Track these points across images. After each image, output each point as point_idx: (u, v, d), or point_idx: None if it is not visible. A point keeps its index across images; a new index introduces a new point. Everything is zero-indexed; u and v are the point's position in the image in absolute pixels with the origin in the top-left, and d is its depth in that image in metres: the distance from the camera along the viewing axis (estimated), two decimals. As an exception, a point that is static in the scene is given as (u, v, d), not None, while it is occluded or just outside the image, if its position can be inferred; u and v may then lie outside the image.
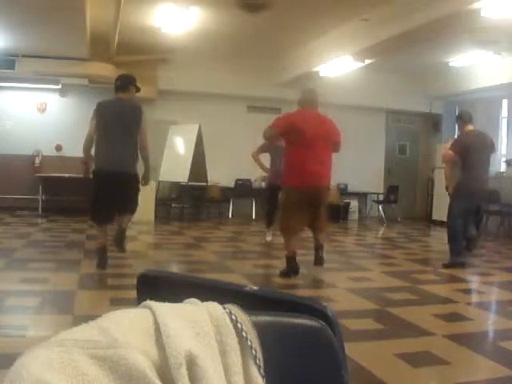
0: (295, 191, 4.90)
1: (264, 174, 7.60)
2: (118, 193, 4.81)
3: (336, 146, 5.11)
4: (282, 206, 5.29)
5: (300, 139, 4.81)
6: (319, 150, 4.84)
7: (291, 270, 4.98)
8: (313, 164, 4.79)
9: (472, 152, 5.74)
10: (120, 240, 5.18)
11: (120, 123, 4.81)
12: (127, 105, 4.95)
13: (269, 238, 7.20)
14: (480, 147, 5.83)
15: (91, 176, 5.08)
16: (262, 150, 7.05)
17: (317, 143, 4.81)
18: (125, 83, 4.98)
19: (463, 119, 6.00)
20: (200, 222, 9.82)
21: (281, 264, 5.85)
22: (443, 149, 6.09)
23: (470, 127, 5.91)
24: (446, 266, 5.79)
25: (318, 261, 5.20)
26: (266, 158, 7.26)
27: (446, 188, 6.21)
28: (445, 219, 10.62)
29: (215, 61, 9.93)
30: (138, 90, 5.11)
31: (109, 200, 4.84)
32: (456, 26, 6.46)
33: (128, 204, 5.03)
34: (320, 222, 5.19)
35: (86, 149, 4.99)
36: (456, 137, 6.17)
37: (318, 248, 5.22)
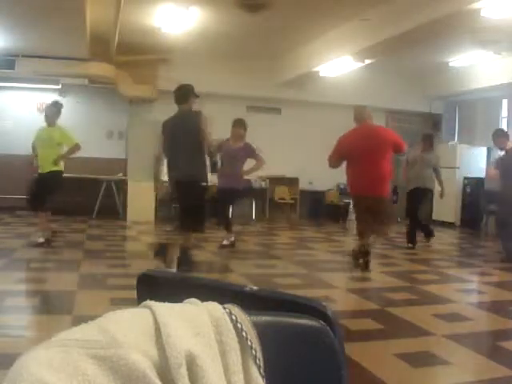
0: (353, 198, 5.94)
1: None
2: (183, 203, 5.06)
3: (396, 150, 5.52)
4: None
5: (350, 157, 5.47)
6: (368, 163, 5.31)
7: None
8: (362, 177, 5.36)
9: None
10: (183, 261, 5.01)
11: (183, 134, 4.94)
12: (188, 115, 5.07)
13: (225, 242, 6.78)
14: None
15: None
16: (218, 149, 6.70)
17: (365, 157, 5.31)
18: (185, 94, 5.08)
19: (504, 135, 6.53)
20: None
21: (281, 264, 5.86)
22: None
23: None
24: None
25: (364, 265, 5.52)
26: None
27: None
28: (445, 219, 10.68)
29: (215, 61, 9.93)
30: (197, 96, 5.20)
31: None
32: (456, 26, 6.46)
33: (190, 219, 5.00)
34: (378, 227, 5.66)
35: (156, 168, 5.26)
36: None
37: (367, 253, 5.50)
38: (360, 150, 5.32)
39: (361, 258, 5.46)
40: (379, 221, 5.49)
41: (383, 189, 5.43)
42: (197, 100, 5.20)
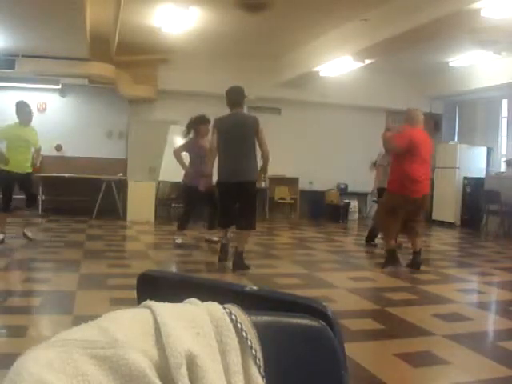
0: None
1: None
2: (238, 204, 5.26)
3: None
4: None
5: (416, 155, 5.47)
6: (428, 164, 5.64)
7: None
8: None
9: None
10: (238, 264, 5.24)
11: (241, 136, 5.09)
12: (244, 116, 5.27)
13: (179, 241, 6.74)
14: None
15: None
16: (184, 148, 6.77)
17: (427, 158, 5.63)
18: (238, 98, 5.21)
19: None
20: (200, 222, 9.80)
21: (281, 264, 5.87)
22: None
23: None
24: None
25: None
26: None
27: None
28: (445, 219, 10.67)
29: (215, 61, 9.93)
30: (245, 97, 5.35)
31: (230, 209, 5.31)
32: (456, 26, 6.46)
33: (243, 218, 5.24)
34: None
35: (212, 162, 5.36)
36: None
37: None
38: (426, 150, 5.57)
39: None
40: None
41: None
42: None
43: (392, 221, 5.62)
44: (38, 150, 6.60)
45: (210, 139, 5.45)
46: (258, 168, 5.32)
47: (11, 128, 6.31)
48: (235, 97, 5.19)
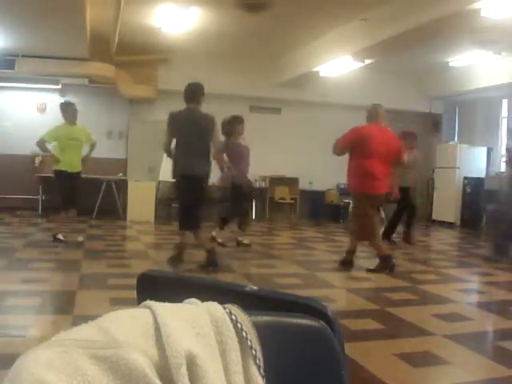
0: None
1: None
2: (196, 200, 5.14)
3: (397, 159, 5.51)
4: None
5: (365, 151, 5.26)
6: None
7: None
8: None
9: None
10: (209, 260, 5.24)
11: (195, 132, 5.01)
12: (199, 114, 5.14)
13: (245, 240, 6.83)
14: None
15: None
16: (224, 150, 6.59)
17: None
18: (194, 94, 5.13)
19: None
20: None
21: (281, 264, 5.86)
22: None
23: None
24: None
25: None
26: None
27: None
28: (445, 219, 10.67)
29: (215, 61, 9.92)
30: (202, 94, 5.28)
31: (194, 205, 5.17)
32: (456, 26, 6.46)
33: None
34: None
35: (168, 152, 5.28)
36: None
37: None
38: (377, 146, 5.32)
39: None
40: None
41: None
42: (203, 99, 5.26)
43: (366, 222, 5.41)
44: (92, 146, 6.75)
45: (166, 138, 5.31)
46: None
47: (59, 128, 6.50)
48: (190, 94, 5.13)
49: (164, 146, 5.30)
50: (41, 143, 6.41)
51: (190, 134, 5.03)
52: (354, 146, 5.36)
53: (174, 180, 5.42)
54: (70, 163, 6.37)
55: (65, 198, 6.50)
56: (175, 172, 5.18)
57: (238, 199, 6.69)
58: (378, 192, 5.32)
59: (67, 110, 6.59)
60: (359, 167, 5.32)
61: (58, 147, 6.42)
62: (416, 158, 7.38)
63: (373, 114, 5.60)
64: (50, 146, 6.57)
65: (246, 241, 6.88)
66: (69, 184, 6.38)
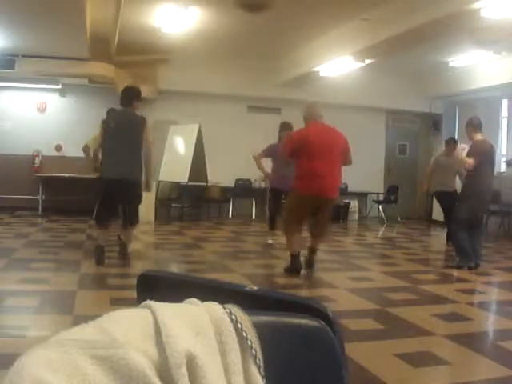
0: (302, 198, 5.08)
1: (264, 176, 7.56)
2: (122, 201, 5.29)
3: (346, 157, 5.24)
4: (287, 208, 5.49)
5: (308, 152, 4.94)
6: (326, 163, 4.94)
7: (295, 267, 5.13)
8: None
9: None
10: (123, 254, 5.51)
11: (122, 133, 5.15)
12: (129, 115, 5.26)
13: (270, 241, 7.09)
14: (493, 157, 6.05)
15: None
16: (266, 154, 7.00)
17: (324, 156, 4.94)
18: (128, 98, 5.26)
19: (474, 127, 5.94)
20: (200, 222, 9.82)
21: (281, 264, 5.85)
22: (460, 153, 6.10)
23: (480, 136, 5.86)
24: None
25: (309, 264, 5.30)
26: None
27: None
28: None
29: (215, 61, 9.92)
30: (141, 100, 5.44)
31: (112, 206, 5.32)
32: (456, 26, 6.46)
33: (128, 216, 5.38)
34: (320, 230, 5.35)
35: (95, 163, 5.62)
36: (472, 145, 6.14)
37: (312, 252, 5.29)
38: (320, 146, 4.98)
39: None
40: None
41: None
42: (140, 104, 5.41)
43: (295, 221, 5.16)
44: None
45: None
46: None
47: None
48: (123, 97, 5.28)
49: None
50: None
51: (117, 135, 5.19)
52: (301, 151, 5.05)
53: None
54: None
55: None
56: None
57: (276, 202, 6.98)
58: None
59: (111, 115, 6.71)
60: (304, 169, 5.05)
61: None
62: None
63: (308, 113, 5.38)
64: None
65: (269, 241, 7.14)
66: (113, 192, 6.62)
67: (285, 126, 7.04)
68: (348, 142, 5.30)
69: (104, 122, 5.38)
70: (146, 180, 5.41)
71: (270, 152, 6.92)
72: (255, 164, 7.11)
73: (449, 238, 7.28)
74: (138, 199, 5.35)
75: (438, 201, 7.86)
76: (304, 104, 5.62)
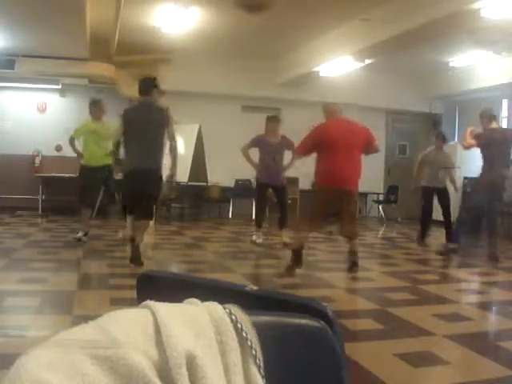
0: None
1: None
2: (143, 193, 5.17)
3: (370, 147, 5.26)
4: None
5: (328, 146, 4.99)
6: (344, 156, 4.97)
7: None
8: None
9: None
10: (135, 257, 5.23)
11: (147, 126, 5.09)
12: (153, 106, 5.22)
13: (259, 240, 6.87)
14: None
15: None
16: (252, 144, 6.93)
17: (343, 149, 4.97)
18: (147, 86, 5.22)
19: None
20: (200, 222, 9.82)
21: (281, 264, 5.85)
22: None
23: (494, 125, 6.03)
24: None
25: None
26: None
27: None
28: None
29: (215, 61, 9.93)
30: (161, 92, 5.44)
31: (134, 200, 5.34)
32: (456, 26, 6.46)
33: (142, 208, 5.26)
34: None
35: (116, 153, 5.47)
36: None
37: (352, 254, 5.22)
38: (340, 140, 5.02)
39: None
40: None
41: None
42: (161, 96, 5.44)
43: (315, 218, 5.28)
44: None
45: None
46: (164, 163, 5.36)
47: (84, 125, 6.87)
48: (142, 86, 5.24)
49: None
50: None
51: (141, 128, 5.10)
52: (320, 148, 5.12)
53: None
54: (94, 158, 6.72)
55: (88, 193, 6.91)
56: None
57: (261, 197, 7.06)
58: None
59: (91, 107, 6.86)
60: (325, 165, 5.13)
61: (84, 143, 6.90)
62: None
63: (327, 111, 5.41)
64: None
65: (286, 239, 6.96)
66: (92, 180, 6.82)
67: (271, 118, 7.03)
68: (370, 133, 5.37)
69: (125, 114, 5.25)
70: (171, 172, 5.39)
71: (256, 142, 6.88)
72: (244, 159, 6.95)
73: (448, 238, 7.29)
74: (158, 191, 5.31)
75: (424, 197, 7.70)
76: (321, 103, 5.71)
